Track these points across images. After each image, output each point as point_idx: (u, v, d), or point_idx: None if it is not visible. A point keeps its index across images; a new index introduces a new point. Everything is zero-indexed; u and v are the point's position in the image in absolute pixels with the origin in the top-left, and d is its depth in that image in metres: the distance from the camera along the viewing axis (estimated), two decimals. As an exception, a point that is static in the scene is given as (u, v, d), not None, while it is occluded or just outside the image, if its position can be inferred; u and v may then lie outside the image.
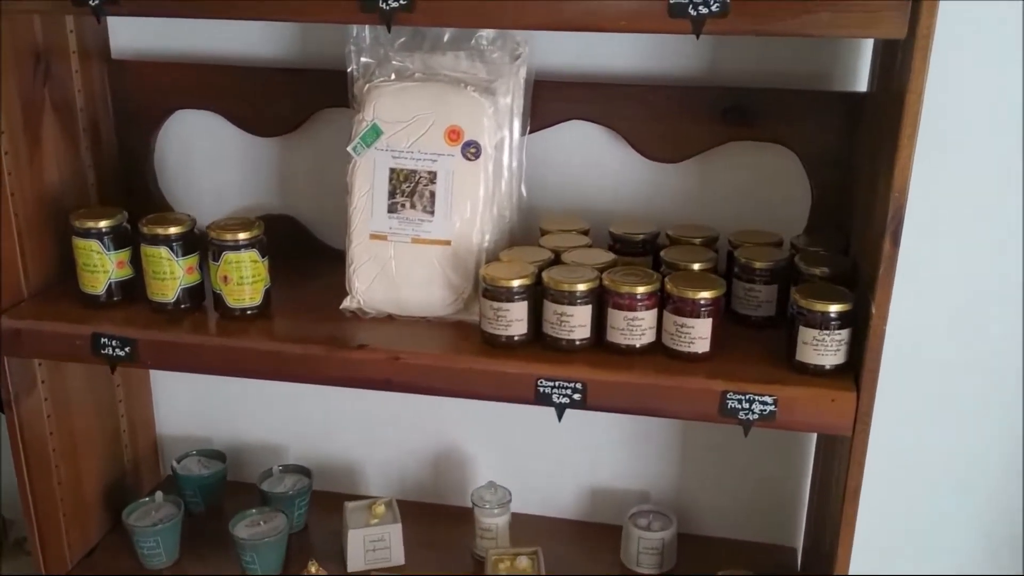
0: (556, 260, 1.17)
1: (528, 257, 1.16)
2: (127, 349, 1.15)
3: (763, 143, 1.24)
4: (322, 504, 1.50)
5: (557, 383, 1.07)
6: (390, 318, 1.20)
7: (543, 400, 1.08)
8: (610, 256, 1.16)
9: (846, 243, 1.19)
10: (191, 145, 1.42)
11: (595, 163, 1.32)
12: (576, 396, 1.07)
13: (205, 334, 1.16)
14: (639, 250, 1.23)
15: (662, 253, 1.17)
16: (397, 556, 1.39)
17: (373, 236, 1.18)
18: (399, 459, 1.55)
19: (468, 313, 1.19)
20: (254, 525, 1.36)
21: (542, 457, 1.50)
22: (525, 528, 1.44)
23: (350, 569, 1.37)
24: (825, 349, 1.02)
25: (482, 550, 1.40)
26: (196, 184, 1.44)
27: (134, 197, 1.40)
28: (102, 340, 1.15)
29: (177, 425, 1.60)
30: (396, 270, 1.18)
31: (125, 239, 1.20)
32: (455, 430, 1.52)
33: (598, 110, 1.26)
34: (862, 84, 1.21)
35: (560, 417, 1.09)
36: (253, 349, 1.14)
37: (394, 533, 1.38)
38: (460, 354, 1.11)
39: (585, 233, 1.26)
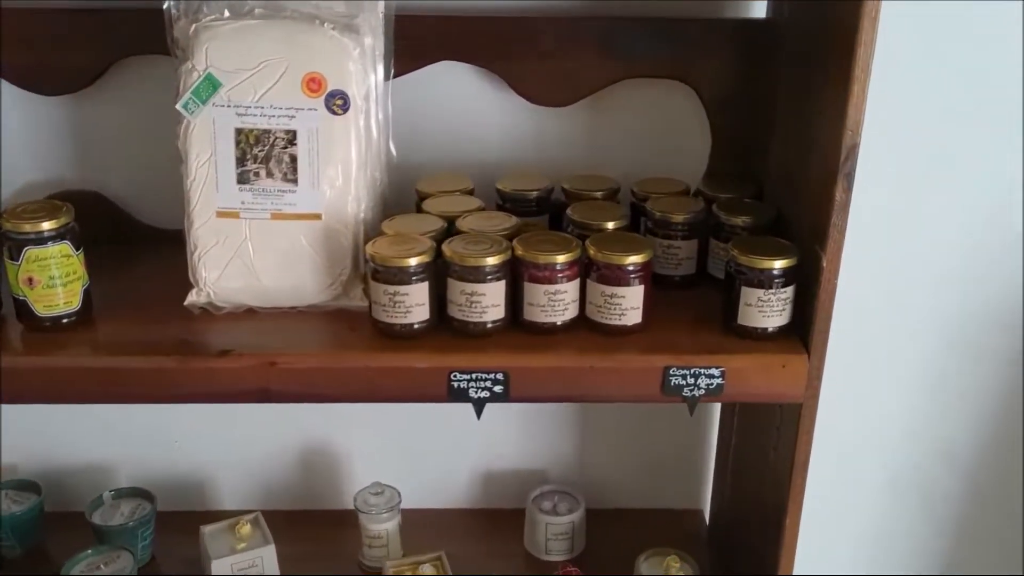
0: (450, 229, 0.99)
1: (416, 227, 0.98)
2: (-100, 383, 0.87)
3: (657, 80, 1.11)
4: (169, 528, 1.26)
5: (474, 375, 0.91)
6: (250, 312, 0.98)
7: (458, 396, 0.92)
8: (512, 220, 1.00)
9: (758, 189, 1.09)
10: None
11: (471, 110, 1.14)
12: (497, 388, 0.91)
13: (10, 353, 0.90)
14: (532, 209, 1.08)
15: (569, 211, 1.02)
16: (273, 581, 1.19)
17: (221, 214, 0.95)
18: (256, 463, 1.34)
19: (348, 299, 0.99)
20: (93, 569, 1.12)
21: (425, 443, 1.33)
22: (415, 526, 1.28)
23: (218, 605, 1.16)
24: (771, 310, 0.91)
25: (372, 560, 1.23)
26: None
27: None
28: None
29: (-31, 454, 1.30)
30: (254, 253, 0.96)
31: None
32: (320, 423, 1.32)
33: (471, 48, 1.07)
34: (759, 10, 1.10)
35: (479, 414, 0.93)
36: (80, 367, 0.89)
37: (267, 556, 1.18)
38: (351, 351, 0.92)
39: (470, 193, 1.09)
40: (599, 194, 1.07)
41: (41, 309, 0.91)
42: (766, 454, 1.04)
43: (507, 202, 1.08)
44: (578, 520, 1.26)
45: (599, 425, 1.33)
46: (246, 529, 1.20)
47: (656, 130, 1.15)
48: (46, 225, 0.89)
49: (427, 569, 1.15)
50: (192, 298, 0.98)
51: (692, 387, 0.91)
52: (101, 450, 1.31)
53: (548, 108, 1.11)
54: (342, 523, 1.32)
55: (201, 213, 0.95)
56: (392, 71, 1.02)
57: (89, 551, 1.14)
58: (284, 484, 1.35)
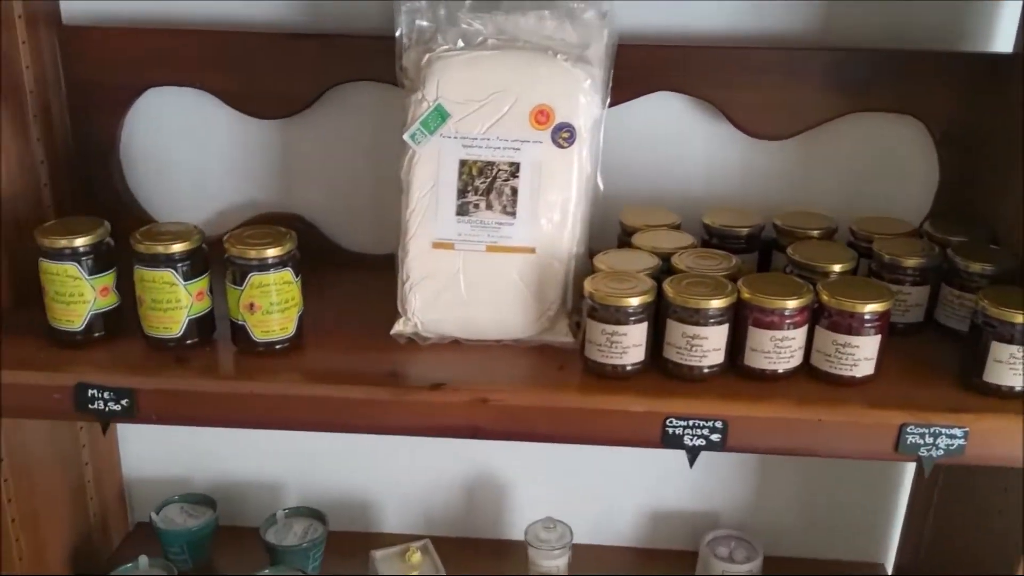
0: (667, 267, 0.95)
1: (630, 264, 0.94)
2: (124, 402, 0.88)
3: (880, 115, 1.05)
4: (336, 548, 1.25)
5: (690, 422, 0.87)
6: (455, 343, 0.97)
7: (672, 443, 0.88)
8: (732, 260, 0.96)
9: (990, 233, 1.02)
10: (167, 131, 1.13)
11: (682, 142, 1.10)
12: (714, 437, 0.87)
13: (226, 378, 0.90)
14: (742, 246, 1.03)
15: (790, 250, 0.97)
16: (445, 613, 1.17)
17: (436, 244, 0.94)
18: (423, 489, 1.32)
19: (553, 333, 0.96)
20: (271, 592, 1.12)
21: (593, 477, 1.30)
22: (583, 561, 1.24)
23: (391, 634, 1.15)
24: (1022, 367, 0.85)
25: (542, 596, 1.20)
26: (172, 178, 1.15)
27: (95, 199, 1.10)
28: (90, 392, 0.87)
29: (147, 466, 1.32)
30: (466, 285, 0.94)
31: (108, 259, 0.91)
32: (487, 450, 1.30)
33: (690, 78, 1.04)
34: (1001, 44, 1.03)
35: (692, 462, 0.89)
36: (294, 396, 0.89)
37: (440, 588, 1.16)
38: (563, 391, 0.89)
39: (676, 228, 1.05)
40: (815, 233, 1.02)
41: (259, 335, 0.90)
42: (988, 517, 0.97)
43: (714, 237, 1.04)
44: (756, 570, 1.20)
45: (777, 468, 1.27)
46: (416, 557, 1.19)
47: (875, 167, 1.09)
48: (271, 252, 0.88)
49: (607, 613, 1.11)
50: (399, 327, 0.96)
51: (930, 447, 0.85)
52: (271, 466, 1.32)
53: (761, 141, 1.07)
54: (506, 553, 1.29)
55: (417, 243, 0.94)
56: (608, 101, 0.99)
57: (266, 571, 1.14)
58: (448, 510, 1.33)
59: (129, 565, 1.14)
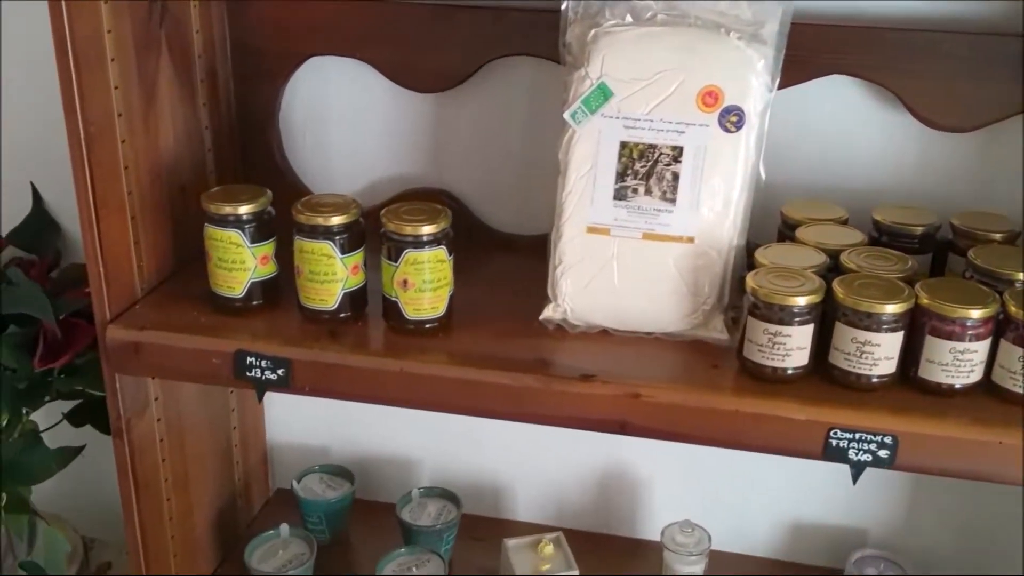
0: (834, 265, 0.90)
1: (793, 260, 0.89)
2: (280, 372, 0.89)
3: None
4: (468, 532, 1.25)
5: (857, 435, 0.81)
6: (604, 334, 0.94)
7: (835, 456, 0.83)
8: (908, 262, 0.89)
9: None
10: (325, 101, 1.14)
11: (854, 130, 1.04)
12: (882, 453, 0.81)
13: (377, 354, 0.90)
14: (914, 246, 0.96)
15: (971, 254, 0.90)
16: (574, 608, 1.15)
17: (591, 229, 0.91)
18: (558, 479, 1.30)
19: (707, 329, 0.92)
20: (404, 570, 1.12)
21: (734, 482, 1.25)
22: (719, 568, 1.19)
23: (519, 622, 1.13)
24: None
25: (675, 601, 1.16)
26: (326, 149, 1.16)
27: (253, 167, 1.13)
28: (248, 360, 0.89)
29: (289, 433, 1.34)
30: (618, 273, 0.92)
31: (269, 229, 0.93)
32: (624, 445, 1.26)
33: (867, 62, 0.97)
34: None
35: (856, 479, 0.83)
36: (443, 378, 0.88)
37: (571, 580, 1.14)
38: (719, 391, 0.85)
39: (843, 223, 0.99)
40: (997, 236, 0.94)
41: (410, 312, 0.90)
42: None
43: (884, 235, 0.97)
44: (908, 594, 1.13)
45: (931, 484, 1.19)
46: (549, 549, 1.16)
47: (1068, 168, 1.00)
48: (426, 229, 0.88)
49: (744, 624, 1.07)
50: (548, 313, 0.94)
51: None
52: (407, 443, 1.32)
53: (940, 133, 1.00)
54: (639, 553, 1.26)
55: (571, 226, 0.91)
56: (777, 84, 0.94)
57: (402, 550, 1.14)
58: (580, 503, 1.30)
59: (271, 532, 1.16)
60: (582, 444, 1.27)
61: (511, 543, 1.18)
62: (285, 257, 0.94)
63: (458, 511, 1.22)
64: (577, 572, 1.14)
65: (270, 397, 1.31)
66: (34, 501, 1.17)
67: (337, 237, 0.89)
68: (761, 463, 1.23)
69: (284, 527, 1.16)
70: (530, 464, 1.30)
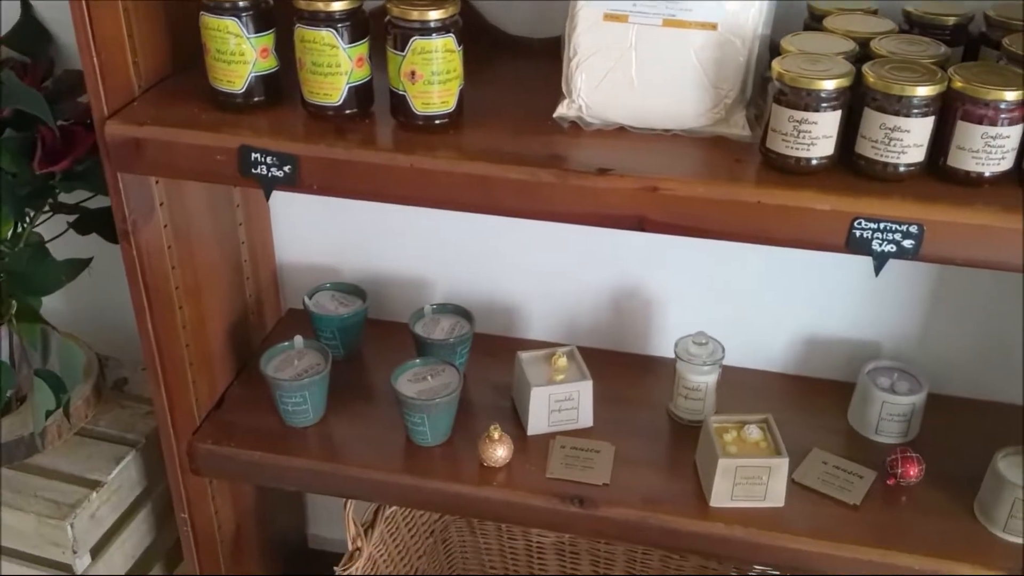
0: (863, 53, 0.85)
1: (822, 47, 0.85)
2: (286, 169, 0.87)
3: None
4: (481, 349, 1.25)
5: (881, 225, 0.79)
6: (622, 131, 0.91)
7: (859, 247, 0.81)
8: (941, 47, 0.85)
9: None
10: None
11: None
12: (907, 243, 0.79)
13: (387, 150, 0.87)
14: (946, 37, 0.91)
15: (1006, 41, 0.85)
16: (586, 417, 1.16)
17: (608, 16, 0.86)
18: (569, 297, 1.30)
19: (728, 126, 0.89)
20: (419, 380, 1.12)
21: (746, 298, 1.24)
22: (732, 382, 1.20)
23: (531, 432, 1.15)
24: None
25: (685, 411, 1.17)
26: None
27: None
28: (253, 156, 0.86)
29: (299, 252, 1.33)
30: (636, 64, 0.87)
31: (268, 18, 0.89)
32: (638, 263, 1.25)
33: None
34: None
35: (879, 270, 0.81)
36: (455, 173, 0.85)
37: (584, 392, 1.15)
38: (741, 184, 0.83)
39: (872, 14, 0.94)
40: (1034, 26, 0.90)
41: (419, 106, 0.87)
42: None
43: (915, 27, 0.92)
44: (919, 403, 1.14)
45: (949, 298, 1.18)
46: (562, 361, 1.17)
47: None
48: (434, 15, 0.83)
49: (754, 431, 1.08)
50: (562, 110, 0.91)
51: None
52: (419, 264, 1.31)
53: (977, -79, 0.93)
54: (650, 368, 1.27)
55: (586, 15, 0.87)
56: None
57: (416, 361, 1.15)
58: (594, 322, 1.30)
59: (286, 344, 1.17)
60: (595, 262, 1.26)
61: (525, 355, 1.18)
62: (287, 55, 0.90)
63: (471, 326, 1.22)
64: (590, 381, 1.15)
65: (277, 214, 1.30)
66: (47, 319, 1.17)
67: (340, 25, 0.85)
68: (776, 279, 1.21)
69: (298, 338, 1.17)
70: (543, 283, 1.29)
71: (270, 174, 0.86)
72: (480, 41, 1.06)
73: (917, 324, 1.20)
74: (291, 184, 0.87)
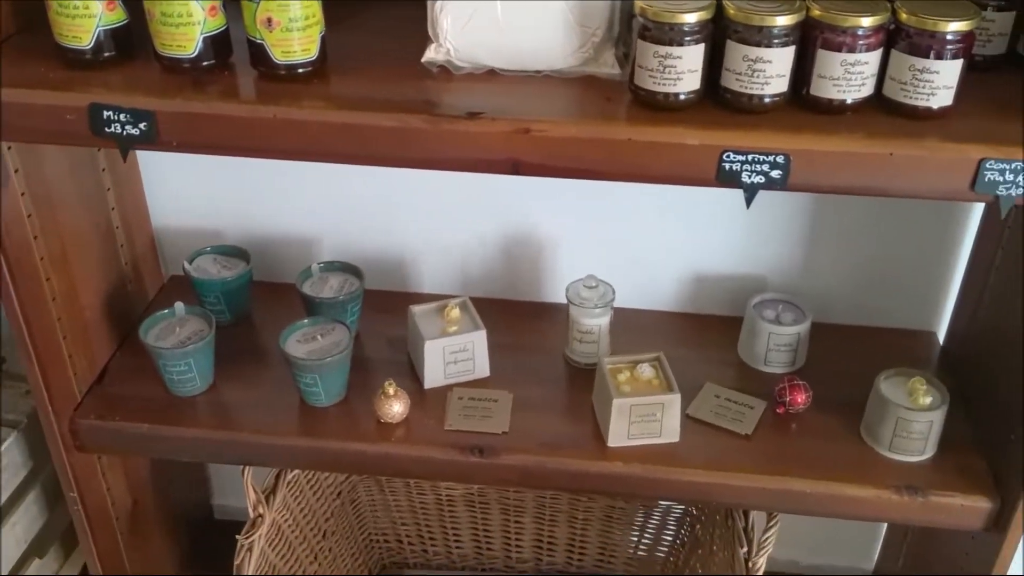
0: (725, -14, 0.85)
1: (686, -17, 0.85)
2: (142, 125, 0.83)
3: None
4: (373, 305, 1.24)
5: (749, 156, 0.80)
6: (491, 74, 0.89)
7: (729, 179, 0.81)
8: (801, -23, 0.85)
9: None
10: None
11: None
12: (775, 173, 0.80)
13: (248, 102, 0.84)
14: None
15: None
16: (482, 367, 1.16)
17: (484, -44, 0.84)
18: (460, 248, 1.28)
19: (598, 65, 0.88)
20: (309, 340, 1.10)
21: (635, 240, 1.25)
22: (624, 323, 1.21)
23: (428, 386, 1.14)
24: (1122, 99, 0.76)
25: (580, 355, 1.18)
26: None
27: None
28: (105, 114, 0.82)
29: (176, 215, 1.29)
30: (503, 6, 0.86)
31: (112, -33, 0.84)
32: (526, 211, 1.25)
33: None
34: None
35: (749, 202, 0.82)
36: (322, 123, 0.83)
37: (478, 342, 1.14)
38: (612, 122, 0.82)
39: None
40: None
41: (279, 55, 0.84)
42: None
43: (781, -37, 0.92)
44: (804, 332, 1.17)
45: (827, 229, 1.21)
46: (455, 313, 1.16)
47: None
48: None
49: (646, 370, 1.09)
50: (430, 55, 0.89)
51: (1010, 185, 0.78)
52: (303, 222, 1.28)
53: None
54: (546, 314, 1.27)
55: (449, -45, 0.84)
56: None
57: (305, 321, 1.12)
58: (486, 272, 1.29)
59: (165, 312, 1.13)
60: (484, 212, 1.25)
61: (417, 309, 1.17)
62: (136, 7, 0.85)
63: (361, 283, 1.20)
64: (484, 331, 1.14)
65: (150, 177, 1.25)
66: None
67: (190, -29, 0.81)
68: (662, 220, 1.23)
69: (179, 305, 1.13)
70: (434, 236, 1.28)
71: (125, 132, 0.82)
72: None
73: (799, 256, 1.23)
74: (149, 142, 0.83)
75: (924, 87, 0.79)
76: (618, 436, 1.06)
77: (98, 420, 1.09)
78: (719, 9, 0.80)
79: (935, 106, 0.80)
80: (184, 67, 0.85)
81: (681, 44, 0.79)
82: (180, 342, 1.09)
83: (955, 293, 1.21)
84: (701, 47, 0.80)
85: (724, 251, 1.24)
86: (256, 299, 1.25)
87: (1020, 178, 0.77)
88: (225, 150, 0.86)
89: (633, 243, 1.25)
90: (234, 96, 0.84)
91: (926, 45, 0.78)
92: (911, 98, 0.80)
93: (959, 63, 0.78)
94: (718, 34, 0.81)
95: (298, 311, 1.18)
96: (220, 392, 1.13)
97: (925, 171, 0.79)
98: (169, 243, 1.30)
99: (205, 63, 0.85)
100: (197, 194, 1.26)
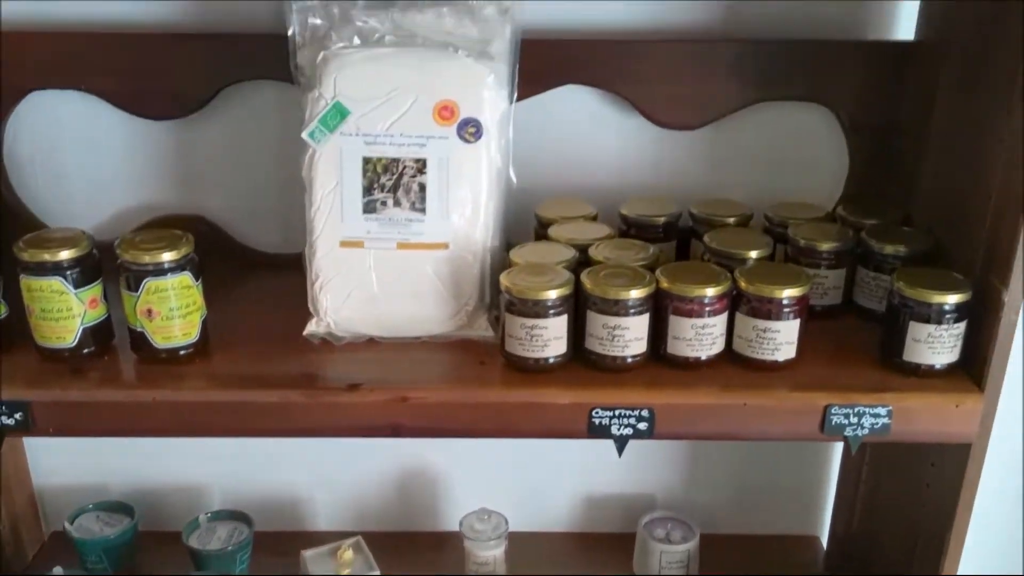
0: (584, 259, 0.93)
1: (546, 256, 0.92)
2: (17, 416, 0.83)
3: (790, 103, 1.04)
4: (266, 549, 1.22)
5: (616, 412, 0.85)
6: (372, 342, 0.93)
7: (599, 433, 0.86)
8: (649, 249, 0.94)
9: (904, 215, 1.01)
10: (56, 135, 1.07)
11: (596, 134, 1.08)
12: (641, 425, 0.85)
13: (128, 387, 0.85)
14: (659, 235, 1.01)
15: (706, 238, 0.95)
16: (377, 610, 1.14)
17: (344, 243, 0.90)
18: (352, 485, 1.29)
19: (472, 329, 0.94)
20: (195, 601, 1.08)
21: (528, 467, 1.28)
22: (520, 550, 1.22)
23: (323, 636, 1.12)
24: (941, 346, 0.84)
25: (478, 587, 1.18)
26: (65, 184, 1.09)
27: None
28: (-20, 409, 0.82)
29: (59, 474, 1.26)
30: (377, 283, 0.91)
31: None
32: (417, 443, 1.27)
33: (598, 71, 1.02)
34: (903, 32, 1.03)
35: (621, 451, 0.87)
36: (202, 403, 0.85)
37: (373, 586, 1.13)
38: (486, 386, 0.87)
39: (593, 219, 1.02)
40: (731, 220, 1.01)
41: (160, 341, 0.86)
42: (917, 489, 0.97)
43: (632, 228, 1.01)
44: (693, 548, 1.20)
45: (709, 449, 1.26)
46: (348, 555, 1.15)
47: (786, 153, 1.08)
48: (167, 256, 0.83)
49: (541, 603, 1.10)
50: (312, 328, 0.92)
51: (856, 427, 0.84)
52: (193, 470, 1.27)
53: (673, 131, 1.05)
54: (443, 546, 1.27)
55: (324, 242, 0.90)
56: (516, 95, 0.95)
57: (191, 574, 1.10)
58: (381, 505, 1.30)
59: (43, 579, 1.09)
60: (375, 448, 1.26)
61: (308, 554, 1.16)
62: (14, 303, 0.87)
63: (250, 530, 1.18)
64: (378, 572, 1.13)
65: (31, 440, 1.22)
66: None
67: (68, 272, 0.83)
68: (551, 445, 1.26)
69: (58, 569, 1.09)
70: (325, 473, 1.28)
71: (0, 422, 0.82)
72: (229, 260, 1.08)
73: (684, 475, 1.28)
74: (25, 430, 0.84)
75: (768, 344, 0.86)
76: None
77: None
78: (577, 283, 0.86)
79: (780, 359, 0.87)
80: (64, 356, 0.86)
81: (546, 316, 0.85)
82: (59, 615, 1.05)
83: (832, 498, 1.27)
84: (564, 317, 0.86)
85: (613, 473, 1.28)
86: (143, 551, 1.22)
87: (864, 419, 0.84)
88: (107, 433, 0.87)
89: (525, 469, 1.28)
90: (113, 382, 0.86)
91: (765, 308, 0.86)
92: (758, 353, 0.87)
93: (797, 322, 0.86)
94: (580, 303, 0.87)
95: (186, 562, 1.15)
96: (103, 664, 1.08)
97: (777, 418, 0.85)
98: (51, 500, 1.27)
99: (85, 351, 0.87)
100: (79, 449, 1.24)
